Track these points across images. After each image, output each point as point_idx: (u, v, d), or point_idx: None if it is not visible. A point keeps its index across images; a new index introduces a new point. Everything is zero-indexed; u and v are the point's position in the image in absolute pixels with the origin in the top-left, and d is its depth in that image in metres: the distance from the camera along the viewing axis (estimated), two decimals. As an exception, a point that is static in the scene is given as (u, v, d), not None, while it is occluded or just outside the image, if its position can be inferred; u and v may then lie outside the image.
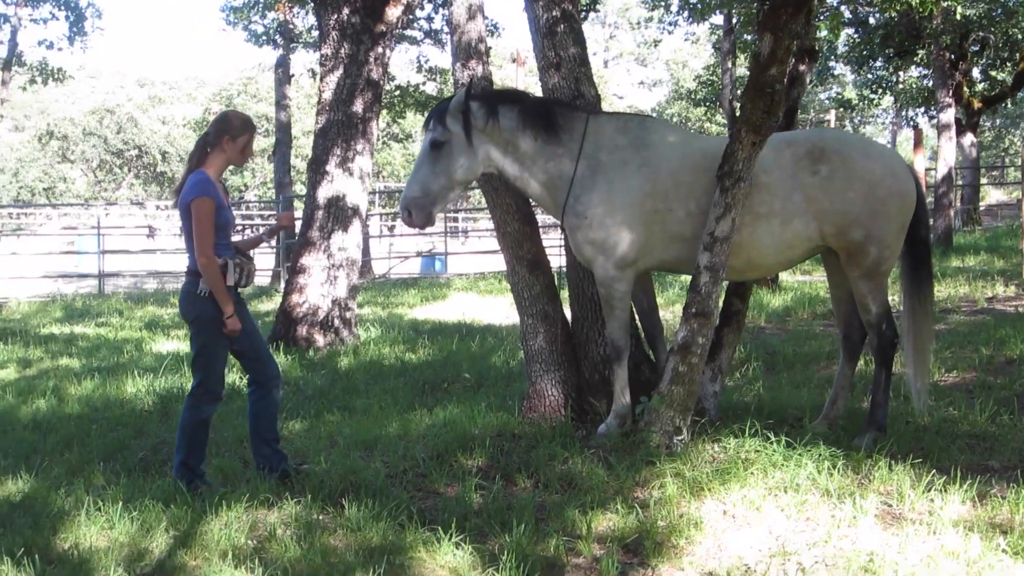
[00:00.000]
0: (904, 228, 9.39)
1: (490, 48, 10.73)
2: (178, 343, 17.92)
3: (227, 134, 8.62)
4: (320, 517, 7.78)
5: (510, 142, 9.50)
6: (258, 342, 8.93)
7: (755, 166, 8.96)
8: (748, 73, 9.63)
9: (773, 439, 8.64)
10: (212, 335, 8.59)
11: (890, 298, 9.85)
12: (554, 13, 10.17)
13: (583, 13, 11.24)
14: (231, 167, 9.08)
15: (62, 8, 34.04)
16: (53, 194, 79.26)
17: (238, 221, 50.27)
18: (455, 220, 57.80)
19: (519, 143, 9.49)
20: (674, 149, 9.44)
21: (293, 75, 39.32)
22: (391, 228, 51.95)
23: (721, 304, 9.76)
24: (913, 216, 9.43)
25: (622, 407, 9.47)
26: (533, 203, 10.20)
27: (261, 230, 9.00)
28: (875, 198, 9.14)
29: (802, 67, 10.70)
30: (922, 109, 42.95)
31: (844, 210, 9.12)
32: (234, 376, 13.40)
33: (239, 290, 8.83)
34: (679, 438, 8.95)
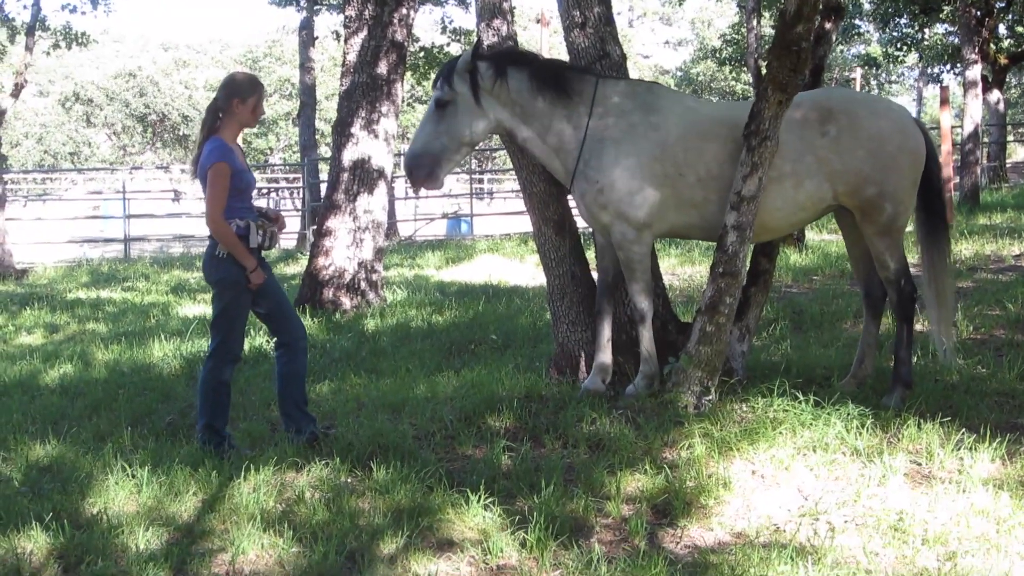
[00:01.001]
0: (916, 183, 9.40)
1: (514, 8, 10.67)
2: (204, 307, 17.94)
3: (236, 97, 8.59)
4: (348, 480, 7.78)
5: (518, 104, 9.46)
6: (283, 303, 8.93)
7: None
8: (774, 31, 9.57)
9: (801, 398, 8.61)
10: (235, 296, 8.61)
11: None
12: (579, -29, 10.11)
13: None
14: (247, 130, 9.02)
15: (84, -30, 33.96)
16: (78, 159, 79.38)
17: (263, 184, 50.35)
18: (480, 181, 57.79)
19: (528, 106, 9.45)
20: (682, 114, 9.42)
21: (317, 37, 39.27)
22: (415, 190, 51.90)
23: (748, 263, 9.72)
24: (925, 170, 9.44)
25: (650, 369, 9.45)
26: None
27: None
28: (885, 154, 9.16)
29: (828, 25, 10.60)
30: (948, 66, 42.74)
31: (856, 168, 9.14)
32: (261, 339, 13.43)
33: (262, 253, 8.82)
34: (707, 398, 8.94)
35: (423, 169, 9.44)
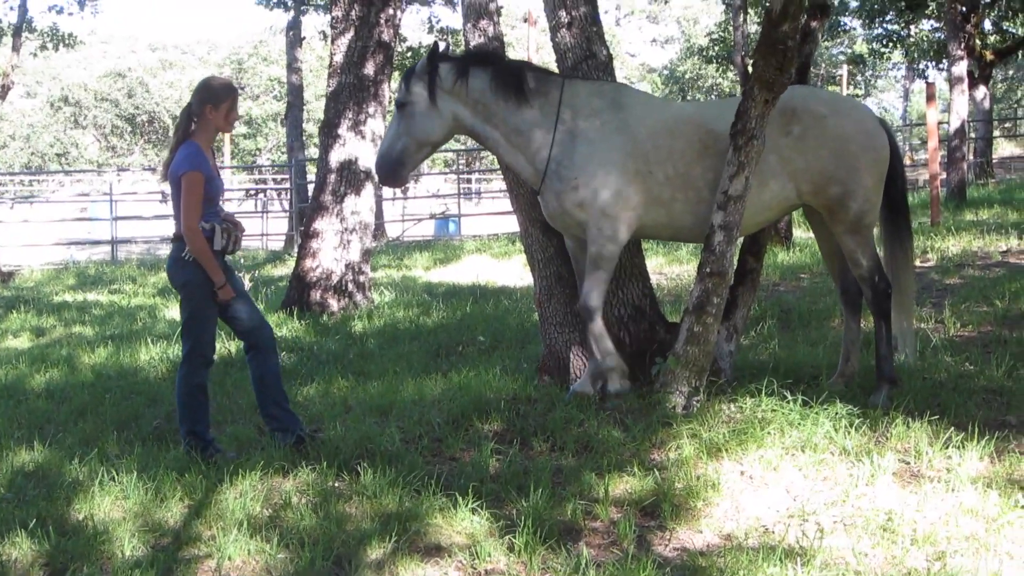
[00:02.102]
0: (881, 180, 9.47)
1: (501, 7, 10.67)
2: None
3: (209, 102, 8.59)
4: (336, 484, 7.76)
5: (480, 103, 9.50)
6: (248, 305, 8.91)
7: (726, 131, 9.00)
8: (760, 29, 9.59)
9: (789, 398, 8.62)
10: (201, 300, 8.61)
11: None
12: (564, -28, 10.11)
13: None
14: (233, 131, 9.00)
15: (72, -27, 33.92)
16: (65, 160, 79.26)
17: (250, 185, 50.31)
18: (468, 181, 57.75)
19: (491, 105, 9.49)
20: (649, 112, 9.48)
21: (304, 38, 39.22)
22: (404, 190, 51.91)
23: (735, 263, 9.71)
24: (889, 168, 9.51)
25: (609, 362, 9.44)
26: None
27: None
28: (848, 153, 9.23)
29: (814, 23, 10.60)
30: (934, 63, 42.78)
31: (819, 168, 9.21)
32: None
33: (226, 256, 8.81)
34: (695, 399, 8.94)
35: (387, 169, 9.62)
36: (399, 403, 9.80)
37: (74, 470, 8.39)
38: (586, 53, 10.06)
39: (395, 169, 9.58)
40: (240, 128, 78.08)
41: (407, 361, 12.03)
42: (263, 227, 37.66)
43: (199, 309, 8.64)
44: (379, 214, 33.39)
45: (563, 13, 10.09)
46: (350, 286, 16.62)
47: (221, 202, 9.11)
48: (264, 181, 57.97)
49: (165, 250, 33.43)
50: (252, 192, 53.45)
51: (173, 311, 17.83)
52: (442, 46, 9.74)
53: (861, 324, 10.11)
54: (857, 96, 68.10)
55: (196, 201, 8.41)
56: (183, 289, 8.70)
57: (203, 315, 8.68)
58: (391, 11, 17.01)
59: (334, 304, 16.34)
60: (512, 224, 27.93)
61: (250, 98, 78.67)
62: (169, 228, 36.59)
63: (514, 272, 20.96)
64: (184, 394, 8.67)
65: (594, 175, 9.21)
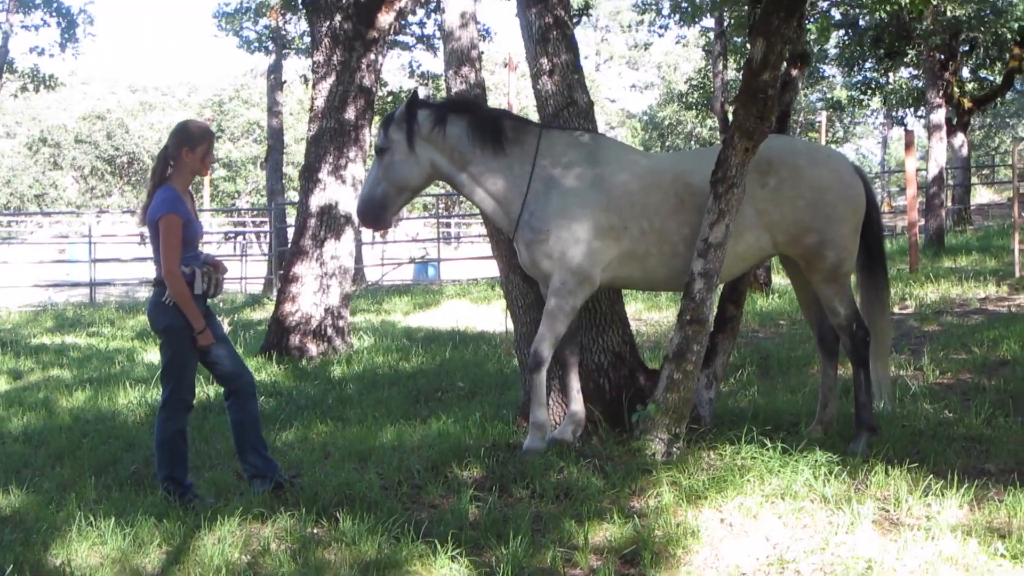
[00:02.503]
0: (858, 230, 9.49)
1: (482, 53, 10.72)
2: (170, 353, 17.86)
3: (185, 145, 8.56)
4: (314, 531, 7.72)
5: (457, 150, 9.55)
6: (229, 350, 8.88)
7: (704, 187, 9.04)
8: (740, 77, 9.64)
9: (769, 445, 8.62)
10: (181, 345, 8.55)
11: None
12: (546, 20, 10.17)
13: (575, 19, 11.19)
14: (212, 174, 8.99)
15: (53, 14, 33.92)
16: (44, 201, 79.10)
17: (230, 228, 50.26)
18: (448, 226, 57.78)
19: (468, 153, 9.54)
20: (625, 166, 9.47)
21: (285, 81, 39.28)
22: (383, 234, 51.87)
23: (715, 310, 9.72)
24: (865, 216, 9.55)
25: (540, 417, 9.42)
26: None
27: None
28: (825, 203, 9.25)
29: (794, 72, 10.67)
30: (912, 110, 43.00)
31: (795, 219, 9.23)
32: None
33: (207, 300, 8.79)
34: (675, 446, 8.94)
35: (369, 213, 9.68)
36: (378, 449, 9.79)
37: (52, 515, 8.33)
38: (567, 100, 10.10)
39: (378, 213, 9.63)
40: (220, 171, 78.05)
41: (386, 406, 12.01)
42: (242, 270, 37.63)
43: (179, 353, 8.60)
44: (358, 258, 33.37)
45: (544, 60, 10.15)
46: (329, 330, 16.62)
47: (200, 245, 9.08)
48: (243, 224, 57.87)
49: (144, 292, 33.40)
50: (231, 235, 53.37)
51: (152, 355, 17.77)
52: (422, 93, 9.77)
53: (839, 371, 10.13)
54: (836, 142, 68.44)
55: (175, 244, 8.38)
56: (164, 333, 8.65)
57: (183, 359, 8.63)
58: (372, 56, 17.08)
59: (313, 348, 16.33)
60: (491, 269, 27.91)
61: (230, 140, 78.64)
62: (148, 271, 36.46)
63: (493, 318, 20.96)
64: (163, 439, 8.61)
65: (565, 228, 9.21)
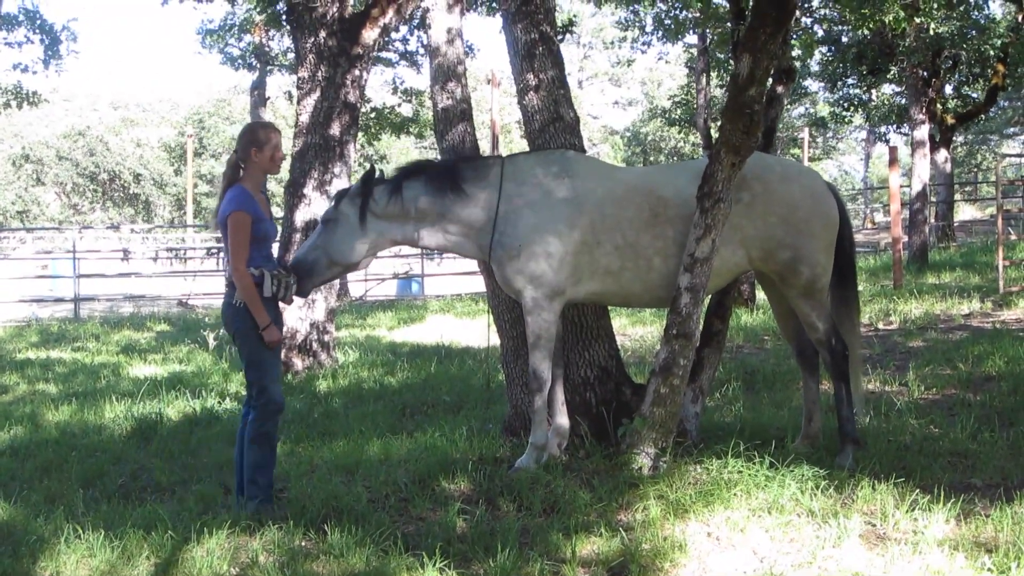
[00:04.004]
0: (831, 245, 9.52)
1: (466, 70, 10.74)
2: (155, 367, 17.87)
3: (253, 146, 8.60)
4: (303, 543, 7.71)
5: (416, 208, 9.48)
6: (279, 364, 8.85)
7: (678, 200, 9.10)
8: (722, 92, 9.70)
9: (756, 459, 8.64)
10: (257, 345, 8.52)
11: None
12: (532, 35, 10.21)
13: (560, 36, 11.30)
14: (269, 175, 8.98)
15: (37, 31, 33.83)
16: (27, 217, 79.00)
17: (211, 244, 50.17)
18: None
19: (427, 208, 9.47)
20: (598, 182, 9.46)
21: (269, 98, 39.28)
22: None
23: (701, 325, 9.75)
24: (837, 233, 9.59)
25: (539, 439, 9.41)
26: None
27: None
28: (798, 219, 9.29)
29: (780, 87, 10.72)
30: (895, 126, 43.15)
31: (768, 235, 9.27)
32: (212, 400, 13.40)
33: (278, 305, 8.77)
34: (662, 460, 8.95)
35: (297, 274, 9.20)
36: (365, 462, 9.79)
37: (40, 528, 8.32)
38: (553, 116, 10.13)
39: (302, 277, 9.23)
40: (202, 186, 77.99)
41: (372, 420, 12.01)
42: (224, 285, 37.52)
43: (256, 355, 8.55)
44: (342, 273, 33.27)
45: (531, 76, 10.18)
46: (314, 345, 16.62)
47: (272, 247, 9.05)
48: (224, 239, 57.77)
49: (127, 307, 33.33)
50: (213, 251, 53.29)
51: (137, 369, 17.78)
52: (378, 171, 9.67)
53: (820, 384, 10.16)
54: (818, 159, 68.60)
55: (243, 241, 8.37)
56: (238, 336, 8.62)
57: (261, 359, 8.58)
58: (357, 72, 17.10)
59: (298, 363, 16.32)
60: (474, 284, 27.95)
61: (212, 157, 78.61)
62: (132, 286, 36.35)
63: (477, 332, 20.95)
64: (251, 438, 8.55)
65: (535, 244, 9.20)
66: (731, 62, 31.93)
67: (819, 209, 9.39)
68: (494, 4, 26.27)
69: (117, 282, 37.61)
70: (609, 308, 10.54)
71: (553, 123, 10.10)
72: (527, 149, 10.14)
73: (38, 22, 32.55)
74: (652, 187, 9.37)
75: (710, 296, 9.91)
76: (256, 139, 8.65)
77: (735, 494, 8.09)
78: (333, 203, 9.64)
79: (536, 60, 10.20)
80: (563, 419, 9.66)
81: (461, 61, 10.52)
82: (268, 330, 8.44)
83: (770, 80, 9.58)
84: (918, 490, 8.14)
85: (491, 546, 7.36)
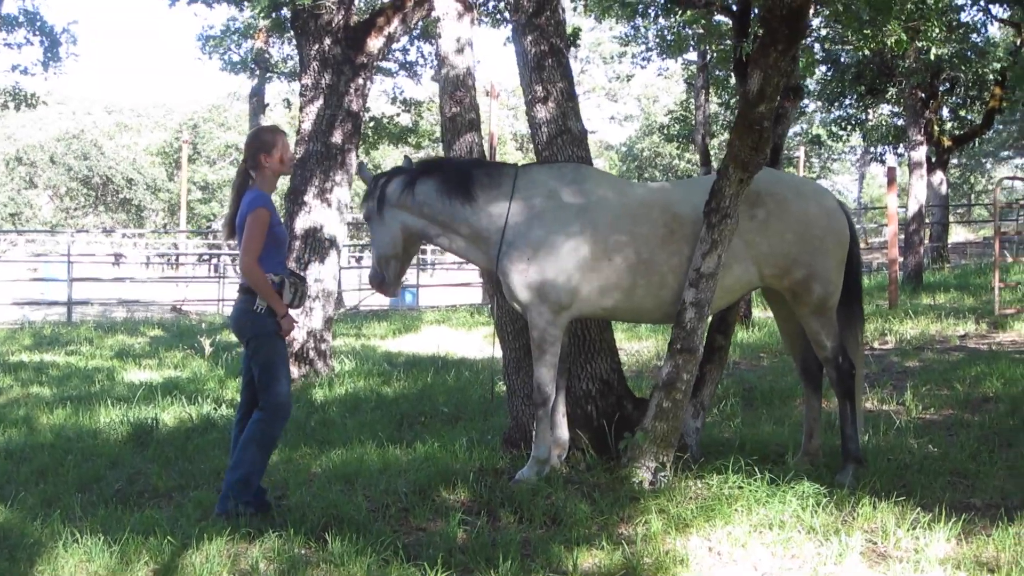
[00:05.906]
0: (842, 263, 9.55)
1: (475, 80, 10.75)
2: (150, 372, 17.84)
3: (262, 152, 8.67)
4: (303, 551, 7.69)
5: (427, 206, 9.56)
6: (288, 370, 8.88)
7: (695, 217, 9.09)
8: (721, 109, 9.69)
9: (757, 475, 8.63)
10: (273, 350, 8.59)
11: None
12: (542, 47, 10.21)
13: (569, 48, 11.33)
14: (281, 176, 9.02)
15: (37, 33, 33.78)
16: (20, 220, 78.92)
17: (207, 251, 50.17)
18: (423, 252, 57.77)
19: (437, 207, 9.54)
20: (611, 197, 9.45)
21: (268, 105, 39.23)
22: (359, 260, 51.80)
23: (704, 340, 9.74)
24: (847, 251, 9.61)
25: (542, 453, 9.39)
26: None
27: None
28: (812, 236, 9.29)
29: (787, 104, 10.74)
30: (891, 147, 43.19)
31: (783, 252, 9.26)
32: (208, 406, 13.37)
33: (292, 310, 8.80)
34: (662, 474, 8.94)
35: (376, 280, 9.83)
36: (364, 471, 9.77)
37: (37, 531, 8.29)
38: (561, 128, 10.14)
39: (381, 278, 9.79)
40: (195, 193, 77.94)
41: (370, 430, 11.98)
42: (219, 292, 37.53)
43: (271, 358, 8.61)
44: (339, 282, 33.31)
45: (539, 88, 10.19)
46: (311, 353, 16.60)
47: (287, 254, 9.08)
48: (219, 246, 57.75)
49: (120, 312, 33.26)
50: (206, 257, 53.26)
51: (131, 374, 17.74)
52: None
53: (822, 402, 10.16)
54: (812, 178, 68.65)
55: (258, 235, 8.42)
56: (253, 341, 8.65)
57: (276, 364, 8.64)
58: (361, 80, 17.11)
59: (295, 371, 16.28)
60: (469, 296, 27.93)
61: (207, 163, 78.57)
62: (125, 291, 36.25)
63: (474, 343, 20.95)
64: (252, 437, 8.60)
65: (544, 257, 9.19)
66: (731, 79, 32.04)
67: (833, 227, 9.40)
68: (499, 15, 26.25)
69: (110, 287, 37.59)
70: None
71: (561, 135, 10.10)
72: (529, 161, 10.18)
73: (38, 24, 32.50)
74: (668, 204, 9.36)
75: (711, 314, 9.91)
76: (263, 144, 8.68)
77: (736, 509, 8.09)
78: (362, 202, 9.91)
79: (545, 72, 10.20)
80: (563, 431, 9.64)
81: (471, 72, 10.54)
82: (287, 318, 8.55)
83: (779, 97, 9.57)
84: (919, 509, 8.14)
85: (492, 557, 7.34)
